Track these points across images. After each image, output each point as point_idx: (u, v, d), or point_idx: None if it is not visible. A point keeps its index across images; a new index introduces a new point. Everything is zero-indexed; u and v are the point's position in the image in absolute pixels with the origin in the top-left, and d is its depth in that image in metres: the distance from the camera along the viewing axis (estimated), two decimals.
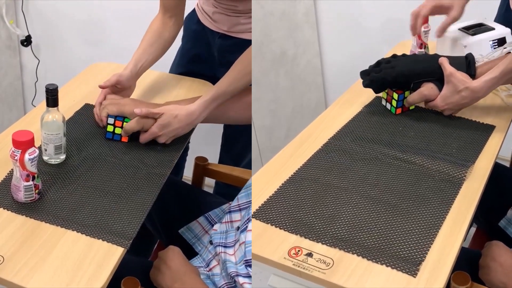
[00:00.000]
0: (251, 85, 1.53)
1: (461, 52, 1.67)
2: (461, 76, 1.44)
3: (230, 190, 1.63)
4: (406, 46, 1.85)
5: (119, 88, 1.57)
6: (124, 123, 1.47)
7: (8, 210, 1.24)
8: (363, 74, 1.54)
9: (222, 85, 1.49)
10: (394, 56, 1.54)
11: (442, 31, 1.67)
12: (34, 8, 2.57)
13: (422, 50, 1.76)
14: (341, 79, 2.54)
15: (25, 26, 2.58)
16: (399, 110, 1.54)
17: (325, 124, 1.50)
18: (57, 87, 1.34)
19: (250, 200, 1.28)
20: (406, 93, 1.52)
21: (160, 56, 1.68)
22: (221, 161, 2.02)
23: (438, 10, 1.66)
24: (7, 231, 1.18)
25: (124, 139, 1.48)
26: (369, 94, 1.61)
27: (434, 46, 1.80)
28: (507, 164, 1.70)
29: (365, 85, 1.54)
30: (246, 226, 1.23)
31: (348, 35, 2.53)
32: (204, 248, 1.41)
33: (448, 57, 1.49)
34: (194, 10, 1.90)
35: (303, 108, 2.65)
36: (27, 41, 2.60)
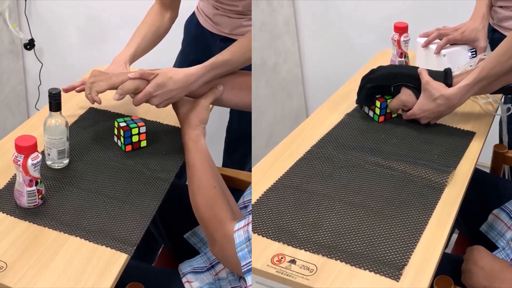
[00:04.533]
0: (250, 70, 1.50)
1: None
2: (437, 85, 1.47)
3: (235, 194, 1.62)
4: (387, 55, 1.86)
5: None
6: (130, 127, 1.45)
7: (11, 215, 1.23)
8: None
9: (224, 54, 1.44)
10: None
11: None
12: (37, 12, 2.57)
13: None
14: (322, 88, 2.56)
15: (28, 30, 2.58)
16: (382, 118, 1.55)
17: (307, 131, 1.50)
18: (60, 91, 1.33)
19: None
20: (389, 100, 1.54)
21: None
22: (224, 166, 2.01)
23: (465, 41, 1.73)
24: (10, 236, 1.17)
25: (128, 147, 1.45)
26: (351, 102, 1.61)
27: (414, 55, 1.82)
28: (487, 171, 1.71)
29: (356, 101, 1.58)
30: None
31: (328, 44, 2.55)
32: None
33: (428, 70, 1.51)
34: (194, 14, 1.90)
35: (284, 117, 2.65)
36: (30, 45, 2.60)
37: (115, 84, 1.39)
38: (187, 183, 1.33)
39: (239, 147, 1.97)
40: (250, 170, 1.95)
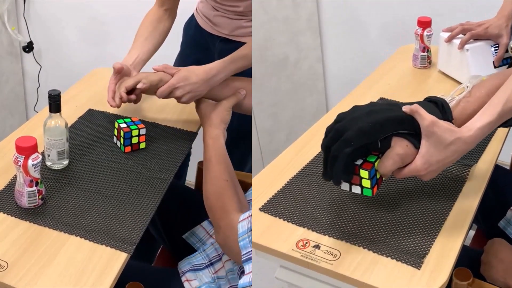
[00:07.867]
0: (251, 76, 1.53)
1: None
2: (447, 125, 1.05)
3: None
4: (408, 50, 1.88)
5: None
6: (131, 129, 1.47)
7: (11, 215, 1.24)
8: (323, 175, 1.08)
9: (243, 49, 1.50)
10: (341, 114, 1.09)
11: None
12: (35, 14, 2.57)
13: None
14: (342, 85, 2.57)
15: (26, 32, 2.59)
16: (375, 189, 1.08)
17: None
18: (59, 93, 1.34)
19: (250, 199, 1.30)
20: (376, 162, 1.07)
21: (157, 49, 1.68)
22: None
23: (488, 36, 1.71)
24: (11, 236, 1.18)
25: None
26: (371, 98, 1.63)
27: (436, 50, 1.84)
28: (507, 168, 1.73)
29: (326, 177, 1.06)
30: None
31: (350, 41, 2.57)
32: (210, 245, 1.42)
33: (412, 103, 1.09)
34: (192, 15, 1.91)
35: (304, 112, 2.68)
36: (28, 47, 2.60)
37: (140, 79, 1.45)
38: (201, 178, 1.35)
39: (238, 146, 2.00)
40: (250, 170, 1.98)
